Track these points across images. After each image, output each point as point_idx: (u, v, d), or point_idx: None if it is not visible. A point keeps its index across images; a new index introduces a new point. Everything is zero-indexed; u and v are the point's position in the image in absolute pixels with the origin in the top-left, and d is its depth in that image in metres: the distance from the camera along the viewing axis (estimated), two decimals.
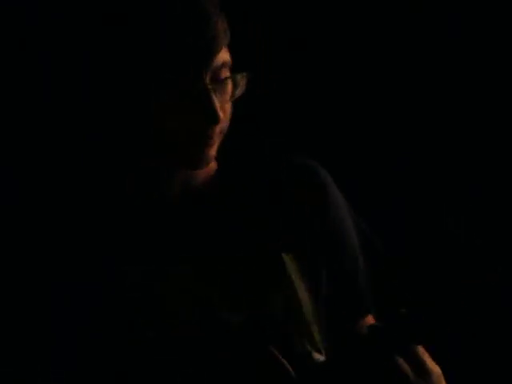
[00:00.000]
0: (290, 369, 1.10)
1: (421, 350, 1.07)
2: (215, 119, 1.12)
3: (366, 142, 2.09)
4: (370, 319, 1.29)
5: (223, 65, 1.15)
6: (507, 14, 2.07)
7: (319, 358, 1.17)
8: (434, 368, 1.08)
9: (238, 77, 1.16)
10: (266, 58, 1.82)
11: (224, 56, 1.15)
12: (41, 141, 1.66)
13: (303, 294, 1.21)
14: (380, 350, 1.05)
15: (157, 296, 1.16)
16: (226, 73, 1.15)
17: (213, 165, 1.25)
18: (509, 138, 2.03)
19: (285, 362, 1.11)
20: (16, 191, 1.26)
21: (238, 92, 1.17)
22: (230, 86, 1.16)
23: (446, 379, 1.12)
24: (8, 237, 1.21)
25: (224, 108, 1.15)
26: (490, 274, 1.11)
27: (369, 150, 2.08)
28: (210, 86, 1.12)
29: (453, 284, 1.10)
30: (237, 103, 1.19)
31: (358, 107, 2.10)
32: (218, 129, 1.15)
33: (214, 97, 1.12)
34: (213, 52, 1.12)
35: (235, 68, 1.18)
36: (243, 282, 1.19)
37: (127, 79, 1.14)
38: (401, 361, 1.05)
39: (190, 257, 1.19)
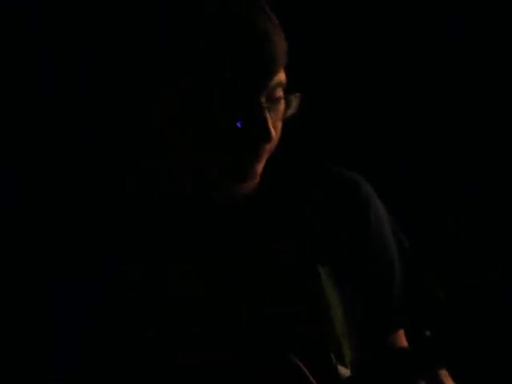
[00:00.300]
0: (312, 380, 1.12)
1: (444, 373, 1.09)
2: (268, 137, 1.13)
3: (367, 142, 2.10)
4: (402, 334, 1.29)
5: (279, 84, 1.15)
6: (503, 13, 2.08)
7: (345, 372, 1.17)
8: None
9: (292, 97, 1.17)
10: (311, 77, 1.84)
11: (281, 76, 1.15)
12: (42, 141, 1.66)
13: (335, 307, 1.21)
14: (404, 373, 1.06)
15: (157, 296, 1.16)
16: (280, 92, 1.16)
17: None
18: (508, 137, 2.04)
19: (307, 372, 1.12)
20: (16, 191, 1.26)
21: (290, 112, 1.18)
22: (282, 106, 1.17)
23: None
24: (8, 237, 1.21)
25: (276, 126, 1.16)
26: (490, 274, 1.11)
27: (369, 151, 2.09)
28: (265, 105, 1.13)
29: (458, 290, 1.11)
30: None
31: (358, 107, 2.11)
32: (268, 147, 1.16)
33: (268, 115, 1.13)
34: (272, 72, 1.13)
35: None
36: (278, 294, 1.19)
37: (185, 106, 1.14)
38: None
39: (190, 257, 1.19)
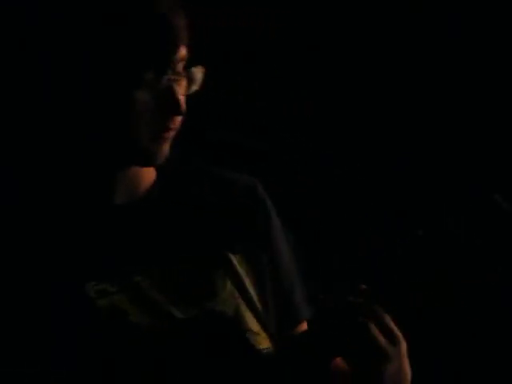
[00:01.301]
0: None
1: (389, 318, 1.13)
2: (179, 109, 1.16)
3: (366, 142, 2.11)
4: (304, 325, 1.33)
5: (182, 59, 1.18)
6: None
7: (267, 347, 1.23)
8: (401, 336, 1.14)
9: (194, 71, 1.19)
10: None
11: (183, 51, 1.18)
12: None
13: (251, 291, 1.26)
14: (353, 320, 1.12)
15: (120, 311, 1.17)
16: (182, 67, 1.19)
17: (152, 174, 1.27)
18: (506, 136, 2.05)
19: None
20: None
21: (194, 87, 1.20)
22: (185, 81, 1.19)
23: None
24: None
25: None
26: (490, 274, 1.13)
27: (368, 151, 2.10)
28: (172, 78, 1.16)
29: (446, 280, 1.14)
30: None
31: (356, 106, 2.12)
32: (177, 121, 1.18)
33: (176, 87, 1.16)
34: (176, 46, 1.16)
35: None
36: (193, 282, 1.21)
37: (92, 76, 1.15)
38: (372, 326, 1.11)
39: (142, 267, 1.20)
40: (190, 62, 1.20)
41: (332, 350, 1.13)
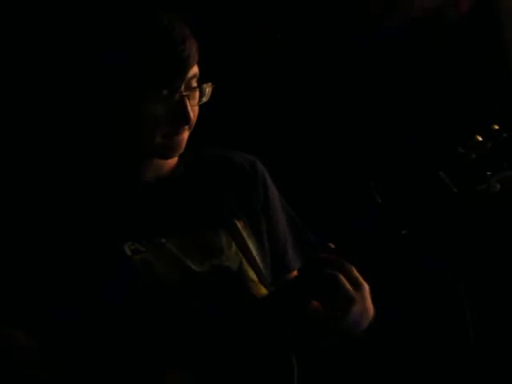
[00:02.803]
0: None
1: (354, 269, 1.42)
2: (188, 120, 1.47)
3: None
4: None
5: (194, 76, 1.48)
6: None
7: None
8: (364, 283, 1.44)
9: (205, 86, 1.50)
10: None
11: (194, 69, 1.48)
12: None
13: (252, 250, 1.58)
14: (325, 272, 1.41)
15: (150, 264, 1.49)
16: (195, 83, 1.49)
17: (175, 158, 1.58)
18: None
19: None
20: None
21: (204, 99, 1.51)
22: (198, 94, 1.50)
23: None
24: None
25: (194, 110, 1.49)
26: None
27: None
28: (184, 94, 1.46)
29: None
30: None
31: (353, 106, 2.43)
32: (186, 128, 1.49)
33: (188, 102, 1.46)
34: (188, 66, 1.46)
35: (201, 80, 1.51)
36: (205, 243, 1.54)
37: (120, 93, 1.45)
38: (341, 276, 1.40)
39: (166, 230, 1.52)
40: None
41: (310, 295, 1.43)
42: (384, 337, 2.16)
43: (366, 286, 1.44)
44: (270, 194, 1.64)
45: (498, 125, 1.41)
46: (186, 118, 1.46)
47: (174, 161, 1.57)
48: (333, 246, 1.44)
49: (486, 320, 2.35)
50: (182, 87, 1.45)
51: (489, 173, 1.41)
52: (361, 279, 1.43)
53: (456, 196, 1.41)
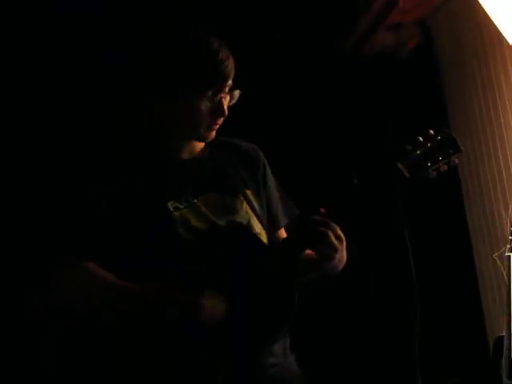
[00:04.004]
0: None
1: (337, 227, 1.97)
2: (223, 113, 2.03)
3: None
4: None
5: (230, 85, 2.05)
6: None
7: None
8: (344, 238, 1.98)
9: (235, 92, 2.06)
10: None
11: (230, 81, 2.04)
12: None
13: (258, 210, 2.13)
14: (318, 229, 1.95)
15: (186, 218, 2.02)
16: (228, 90, 2.06)
17: (202, 143, 2.12)
18: None
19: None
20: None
21: (233, 102, 2.08)
22: (229, 97, 2.06)
23: None
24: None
25: (227, 109, 2.05)
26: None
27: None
28: (223, 95, 2.03)
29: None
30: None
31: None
32: (221, 120, 2.05)
33: (224, 102, 2.03)
34: (230, 76, 2.03)
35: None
36: (225, 204, 2.08)
37: (178, 92, 2.01)
38: (329, 232, 1.95)
39: (197, 194, 2.05)
40: None
41: (306, 245, 1.98)
42: None
43: (344, 241, 1.99)
44: (267, 172, 2.19)
45: (433, 131, 2.02)
46: (223, 112, 2.01)
47: (202, 144, 2.11)
48: (324, 211, 1.97)
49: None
50: (222, 91, 2.00)
51: (428, 164, 2.01)
52: (342, 235, 1.98)
53: (408, 179, 2.00)
